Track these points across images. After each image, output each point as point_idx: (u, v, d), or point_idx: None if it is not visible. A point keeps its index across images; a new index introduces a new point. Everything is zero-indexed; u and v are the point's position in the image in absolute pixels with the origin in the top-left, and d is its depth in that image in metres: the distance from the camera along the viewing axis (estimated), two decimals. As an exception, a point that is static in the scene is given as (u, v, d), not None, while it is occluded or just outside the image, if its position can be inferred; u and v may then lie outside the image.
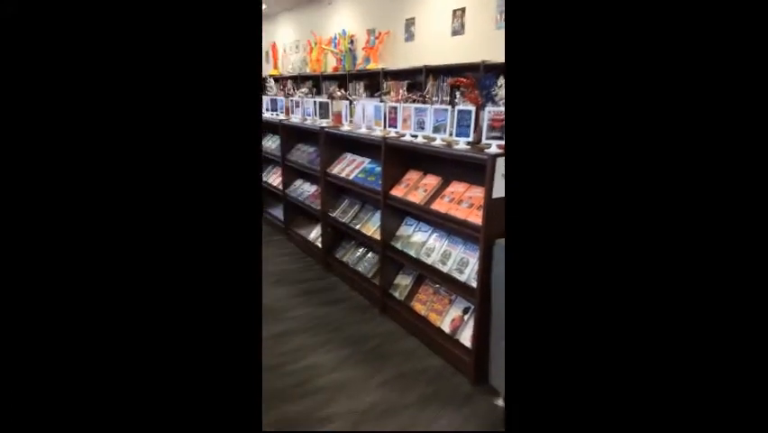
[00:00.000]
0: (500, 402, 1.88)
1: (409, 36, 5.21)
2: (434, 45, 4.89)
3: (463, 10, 4.49)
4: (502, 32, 4.12)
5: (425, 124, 2.18)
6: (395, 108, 2.37)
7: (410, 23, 5.16)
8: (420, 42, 5.10)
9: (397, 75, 5.15)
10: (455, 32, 4.62)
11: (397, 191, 2.44)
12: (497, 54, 3.96)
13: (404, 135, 2.35)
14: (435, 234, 2.40)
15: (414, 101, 2.45)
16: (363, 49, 5.82)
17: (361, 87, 5.68)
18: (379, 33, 5.54)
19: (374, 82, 5.54)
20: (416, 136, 2.27)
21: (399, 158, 2.47)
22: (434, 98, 4.24)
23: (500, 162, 1.78)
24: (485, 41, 4.29)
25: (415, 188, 2.39)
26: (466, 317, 2.19)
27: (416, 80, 4.87)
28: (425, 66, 4.63)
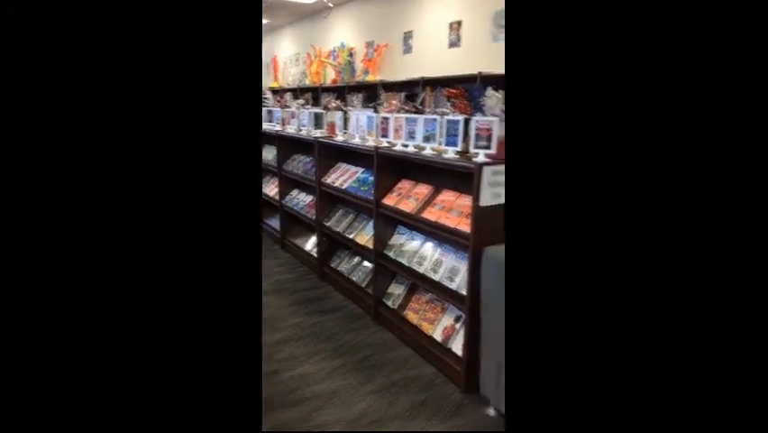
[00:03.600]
0: (491, 411, 1.88)
1: (407, 48, 5.28)
2: (432, 57, 4.94)
3: (460, 23, 4.55)
4: (498, 45, 4.18)
5: (416, 133, 2.21)
6: (387, 118, 2.41)
7: (408, 35, 5.23)
8: (418, 55, 5.16)
9: (396, 87, 5.21)
10: (452, 45, 4.68)
11: (389, 200, 2.46)
12: (493, 66, 4.00)
13: (396, 145, 2.37)
14: (427, 243, 2.41)
15: (408, 111, 2.48)
16: (362, 61, 5.89)
17: (359, 98, 5.74)
18: (378, 46, 5.62)
19: (373, 94, 5.60)
20: (407, 146, 2.29)
21: (391, 167, 2.50)
22: (427, 109, 4.27)
23: (487, 171, 1.79)
24: (481, 54, 4.34)
25: (406, 197, 2.41)
26: (458, 325, 2.18)
27: (414, 92, 4.92)
28: (423, 78, 4.68)
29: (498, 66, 3.88)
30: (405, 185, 2.50)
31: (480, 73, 3.98)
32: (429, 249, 2.37)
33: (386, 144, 2.47)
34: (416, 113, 2.44)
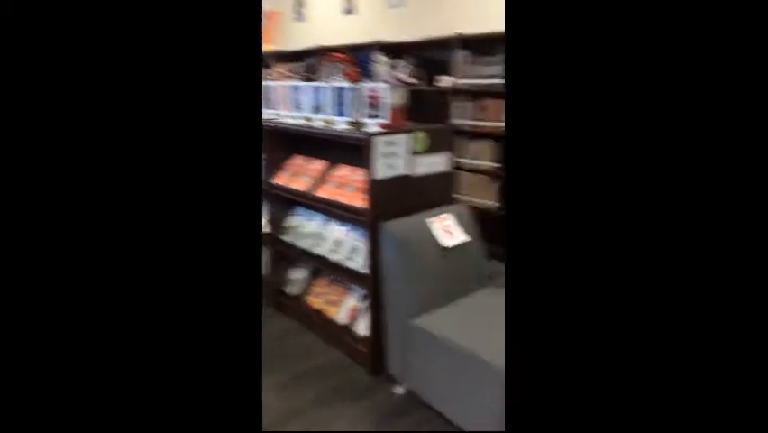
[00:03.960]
0: (399, 390, 1.83)
1: (299, 16, 4.97)
2: (327, 25, 4.71)
3: (353, -12, 4.35)
4: (395, 11, 4.06)
5: (304, 103, 2.03)
6: (271, 87, 2.18)
7: (299, 2, 4.92)
8: (312, 23, 4.89)
9: (289, 57, 4.89)
10: (347, 12, 4.47)
11: (281, 179, 2.27)
12: (391, 34, 3.88)
13: (284, 117, 2.17)
14: (327, 223, 2.27)
15: (299, 80, 2.28)
16: (253, 29, 5.46)
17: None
18: (269, 13, 5.22)
19: (266, 64, 5.23)
20: (295, 118, 2.10)
21: (282, 142, 2.29)
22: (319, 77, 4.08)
23: (379, 141, 1.68)
24: (378, 21, 4.21)
25: (300, 174, 2.23)
26: (362, 305, 2.10)
27: (311, 62, 4.66)
28: (319, 46, 4.43)
29: (396, 33, 3.77)
30: (297, 161, 2.31)
31: (378, 42, 3.84)
32: (329, 229, 2.24)
33: (273, 116, 2.25)
34: (307, 81, 2.24)
